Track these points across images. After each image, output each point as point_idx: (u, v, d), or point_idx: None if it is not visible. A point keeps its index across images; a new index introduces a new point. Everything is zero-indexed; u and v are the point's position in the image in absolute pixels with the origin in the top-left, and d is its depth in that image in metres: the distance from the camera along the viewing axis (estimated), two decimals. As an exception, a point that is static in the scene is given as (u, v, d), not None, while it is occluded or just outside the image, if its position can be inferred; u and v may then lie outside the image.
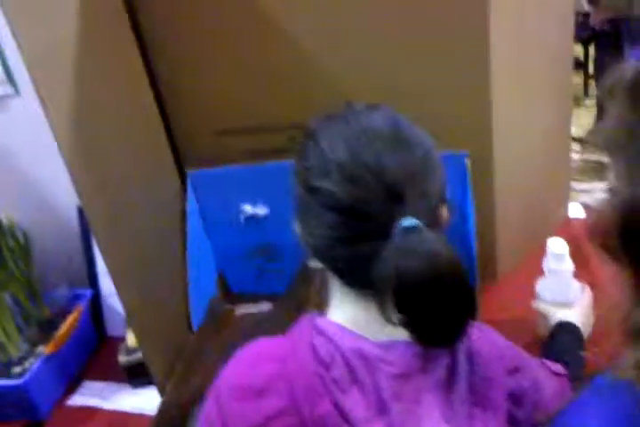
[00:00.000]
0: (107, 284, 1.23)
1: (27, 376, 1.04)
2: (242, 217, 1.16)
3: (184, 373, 1.06)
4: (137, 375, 1.10)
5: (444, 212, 0.65)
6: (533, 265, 1.02)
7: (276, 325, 1.05)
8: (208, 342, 1.14)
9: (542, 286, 1.00)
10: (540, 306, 0.98)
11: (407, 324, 0.59)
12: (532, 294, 1.01)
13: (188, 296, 1.12)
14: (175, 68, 1.12)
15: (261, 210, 1.15)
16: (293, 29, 1.06)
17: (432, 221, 0.61)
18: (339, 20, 1.03)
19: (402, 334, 0.60)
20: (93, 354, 1.21)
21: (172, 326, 1.09)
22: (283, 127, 1.12)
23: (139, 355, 1.10)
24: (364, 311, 0.65)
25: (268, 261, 1.21)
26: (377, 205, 0.60)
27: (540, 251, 1.00)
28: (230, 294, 1.25)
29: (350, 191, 0.60)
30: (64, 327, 1.13)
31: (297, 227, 0.75)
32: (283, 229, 1.20)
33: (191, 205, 1.15)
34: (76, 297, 1.21)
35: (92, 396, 1.11)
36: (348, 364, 0.62)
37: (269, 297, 1.23)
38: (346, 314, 0.66)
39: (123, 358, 1.10)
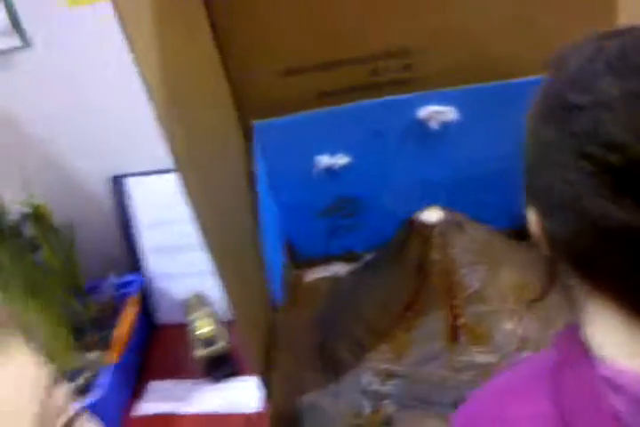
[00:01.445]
0: (154, 265, 1.03)
1: (96, 394, 0.83)
2: (316, 170, 0.98)
3: (277, 361, 0.89)
4: (218, 368, 0.92)
5: None
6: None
7: (373, 290, 0.89)
8: (289, 319, 0.97)
9: None
10: None
11: None
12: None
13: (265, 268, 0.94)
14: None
15: (341, 159, 0.97)
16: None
17: None
18: None
19: None
20: (150, 348, 1.02)
21: (262, 303, 0.91)
22: (364, 58, 0.94)
23: (218, 345, 0.91)
24: None
25: (344, 217, 1.04)
26: None
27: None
28: (298, 259, 1.08)
29: None
30: (121, 327, 0.93)
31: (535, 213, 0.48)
32: (366, 179, 1.03)
33: (260, 161, 0.95)
34: (123, 285, 1.00)
35: (165, 399, 0.91)
36: None
37: (342, 257, 1.07)
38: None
39: (201, 351, 0.91)
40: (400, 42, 0.92)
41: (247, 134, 0.95)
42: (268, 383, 0.84)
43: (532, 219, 0.46)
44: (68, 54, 0.94)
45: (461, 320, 0.81)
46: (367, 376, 0.82)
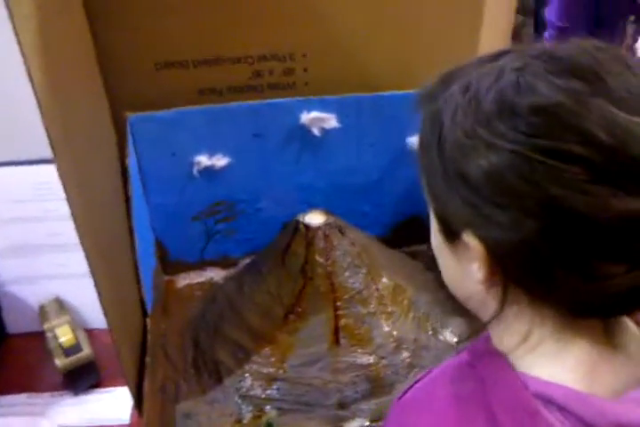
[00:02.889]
0: (4, 267, 0.93)
1: None
2: (193, 170, 0.95)
3: (149, 369, 0.84)
4: (81, 379, 0.85)
5: None
6: None
7: (255, 294, 0.88)
8: (160, 325, 0.92)
9: None
10: None
11: None
12: None
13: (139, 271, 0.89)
14: None
15: (219, 161, 0.95)
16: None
17: None
18: None
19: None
20: (-1, 360, 0.91)
21: (134, 309, 0.85)
22: (246, 58, 0.93)
23: (80, 354, 0.84)
24: (594, 356, 0.44)
25: (220, 222, 1.01)
26: None
27: None
28: (169, 264, 1.03)
29: None
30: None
31: (437, 201, 0.47)
32: (244, 183, 1.01)
33: (132, 158, 0.90)
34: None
35: (19, 414, 0.82)
36: None
37: (217, 263, 1.04)
38: (568, 364, 0.44)
39: (62, 360, 0.83)
40: (284, 46, 0.93)
41: (120, 128, 0.89)
42: (139, 393, 0.79)
43: (469, 241, 0.43)
44: None
45: (343, 322, 0.83)
46: (248, 381, 0.80)
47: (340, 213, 0.93)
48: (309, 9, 0.89)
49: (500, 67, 0.43)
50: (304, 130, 0.95)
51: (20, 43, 0.56)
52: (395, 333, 0.85)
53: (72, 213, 0.65)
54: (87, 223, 0.69)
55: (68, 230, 0.93)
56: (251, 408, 0.79)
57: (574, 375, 0.43)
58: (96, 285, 0.70)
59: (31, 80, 0.57)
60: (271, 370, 0.80)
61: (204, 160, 0.94)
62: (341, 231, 0.87)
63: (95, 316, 0.93)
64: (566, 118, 0.38)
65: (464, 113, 0.42)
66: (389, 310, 0.86)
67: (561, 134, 0.38)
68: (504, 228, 0.40)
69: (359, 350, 0.82)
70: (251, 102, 0.92)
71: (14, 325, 0.94)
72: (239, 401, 0.79)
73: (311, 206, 0.93)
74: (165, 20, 0.88)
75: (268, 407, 0.78)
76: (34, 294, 0.93)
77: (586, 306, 0.42)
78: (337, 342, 0.82)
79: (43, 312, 0.91)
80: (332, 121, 0.95)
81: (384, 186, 1.03)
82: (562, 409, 0.42)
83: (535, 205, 0.39)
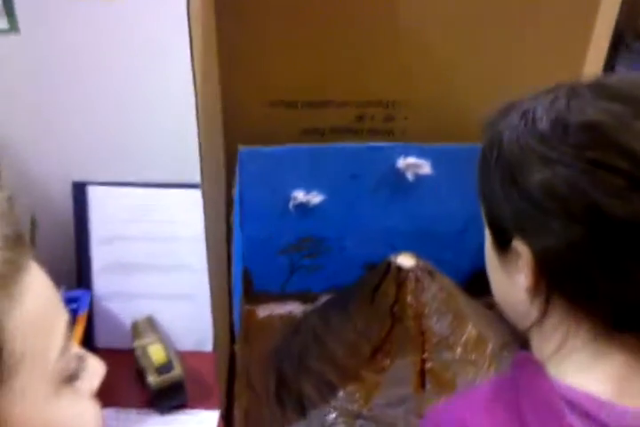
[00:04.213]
0: (101, 284, 0.97)
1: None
2: (289, 204, 0.99)
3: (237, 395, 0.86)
4: (169, 398, 0.87)
5: None
6: None
7: (342, 330, 0.90)
8: (244, 353, 0.95)
9: None
10: None
11: None
12: None
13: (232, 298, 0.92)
14: (235, 20, 0.90)
15: (315, 197, 0.99)
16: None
17: None
18: None
19: None
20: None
21: (226, 334, 0.88)
22: (351, 103, 0.97)
23: (172, 373, 0.86)
24: (626, 370, 0.47)
25: (306, 257, 1.04)
26: None
27: None
28: (252, 294, 1.06)
29: None
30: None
31: (492, 210, 0.53)
32: (334, 221, 1.05)
33: (237, 188, 0.94)
34: (69, 301, 0.92)
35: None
36: None
37: (298, 296, 1.07)
38: (599, 376, 0.47)
39: (154, 379, 0.85)
40: (389, 94, 0.97)
41: (230, 160, 0.94)
42: (227, 418, 0.81)
43: (518, 246, 0.48)
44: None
45: (429, 366, 0.84)
46: (333, 416, 0.82)
47: (420, 257, 0.96)
48: (417, 60, 0.94)
49: (554, 95, 0.49)
50: (398, 174, 0.99)
51: (196, 90, 0.61)
52: (477, 382, 0.86)
53: (206, 238, 0.69)
54: (210, 248, 0.73)
55: (167, 252, 0.98)
56: (334, 443, 0.80)
57: (604, 387, 0.46)
58: (213, 308, 0.73)
59: (197, 110, 0.62)
60: (356, 407, 0.82)
61: (300, 196, 0.98)
62: (431, 276, 0.90)
63: (184, 338, 0.95)
64: (609, 135, 0.44)
65: (521, 132, 0.48)
66: (473, 358, 0.87)
67: (605, 148, 0.44)
68: (552, 233, 0.45)
69: (444, 396, 0.83)
70: (352, 144, 0.97)
71: (104, 339, 0.97)
72: (323, 435, 0.81)
73: (394, 249, 0.96)
74: (281, 63, 0.94)
75: (351, 443, 0.80)
76: (126, 311, 0.97)
77: (623, 318, 0.46)
78: (422, 385, 0.83)
79: (135, 329, 0.93)
80: (426, 168, 0.98)
81: (467, 235, 1.06)
82: (586, 415, 0.45)
83: (581, 210, 0.44)
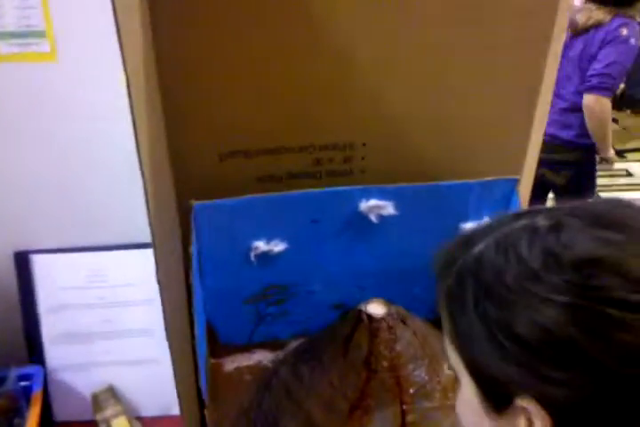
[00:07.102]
0: (56, 355, 0.91)
1: None
2: (250, 255, 0.95)
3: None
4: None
5: None
6: None
7: (316, 386, 0.87)
8: (214, 413, 0.90)
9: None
10: None
11: None
12: None
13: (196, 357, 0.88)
14: (178, 75, 0.86)
15: (277, 246, 0.95)
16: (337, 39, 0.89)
17: None
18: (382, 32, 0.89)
19: None
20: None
21: (193, 396, 0.84)
22: (308, 149, 0.94)
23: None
24: None
25: (272, 304, 1.01)
26: None
27: None
28: (217, 347, 1.01)
29: None
30: None
31: (480, 366, 0.47)
32: (299, 267, 1.01)
33: (194, 243, 0.90)
34: (21, 378, 0.86)
35: None
36: None
37: (264, 345, 1.03)
38: None
39: (119, 453, 0.81)
40: (345, 136, 0.95)
41: (184, 216, 0.90)
42: None
43: (525, 404, 0.43)
44: None
45: (410, 418, 0.81)
46: (315, 480, 0.78)
47: (390, 295, 0.93)
48: (372, 102, 0.92)
49: (528, 225, 0.44)
50: (361, 216, 0.96)
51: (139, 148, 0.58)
52: (459, 426, 0.83)
53: (162, 299, 0.66)
54: (168, 309, 0.69)
55: (123, 316, 0.93)
56: None
57: None
58: (176, 369, 0.70)
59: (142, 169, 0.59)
60: (338, 468, 0.79)
61: (261, 246, 0.94)
62: (404, 321, 0.87)
63: (149, 403, 0.91)
64: (613, 267, 0.39)
65: (504, 271, 0.43)
66: (452, 403, 0.85)
67: (612, 284, 0.39)
68: (567, 386, 0.40)
69: (427, 448, 0.80)
70: (311, 191, 0.94)
71: (63, 413, 0.92)
72: None
73: (362, 289, 0.93)
74: (229, 114, 0.90)
75: None
76: (84, 382, 0.92)
77: None
78: (404, 438, 0.80)
79: (95, 401, 0.89)
80: (389, 208, 0.96)
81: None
82: None
83: (601, 356, 0.38)
